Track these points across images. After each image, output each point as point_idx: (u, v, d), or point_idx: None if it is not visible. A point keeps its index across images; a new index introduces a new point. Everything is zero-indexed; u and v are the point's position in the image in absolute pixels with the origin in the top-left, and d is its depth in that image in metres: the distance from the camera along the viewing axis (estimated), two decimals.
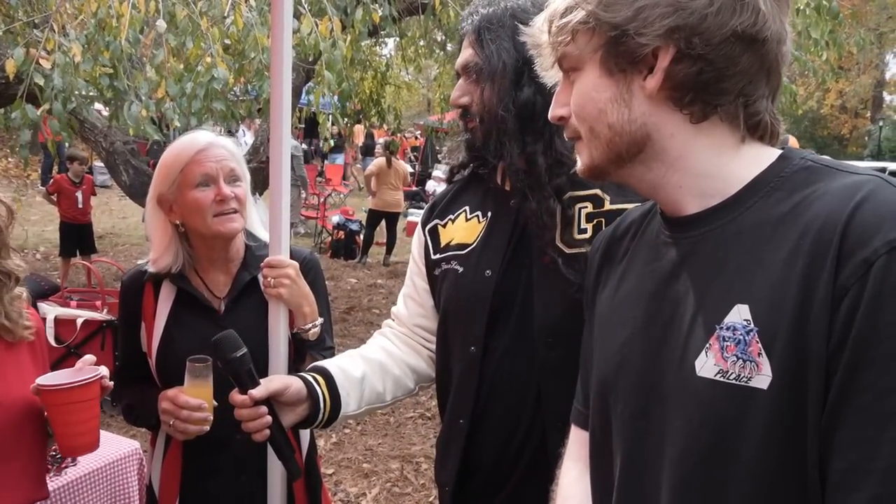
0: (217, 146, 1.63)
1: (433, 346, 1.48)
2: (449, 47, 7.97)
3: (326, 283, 1.67)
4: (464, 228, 1.41)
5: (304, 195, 10.35)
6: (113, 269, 7.20)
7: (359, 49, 4.40)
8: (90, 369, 1.39)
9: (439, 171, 16.49)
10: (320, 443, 4.30)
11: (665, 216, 0.90)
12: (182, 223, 1.64)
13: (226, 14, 3.77)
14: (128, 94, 3.84)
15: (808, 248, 0.71)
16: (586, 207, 1.29)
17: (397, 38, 7.75)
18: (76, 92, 3.64)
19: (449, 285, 1.38)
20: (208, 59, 3.68)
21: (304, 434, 1.77)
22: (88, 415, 1.37)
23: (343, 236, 10.24)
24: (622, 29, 0.80)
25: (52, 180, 7.82)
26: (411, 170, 16.21)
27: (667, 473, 0.81)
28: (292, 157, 9.37)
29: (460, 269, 1.36)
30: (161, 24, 3.30)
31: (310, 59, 4.70)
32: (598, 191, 1.29)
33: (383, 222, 9.98)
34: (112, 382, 1.42)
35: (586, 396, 1.04)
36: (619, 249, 1.01)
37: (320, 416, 1.32)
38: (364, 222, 10.15)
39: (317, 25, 3.27)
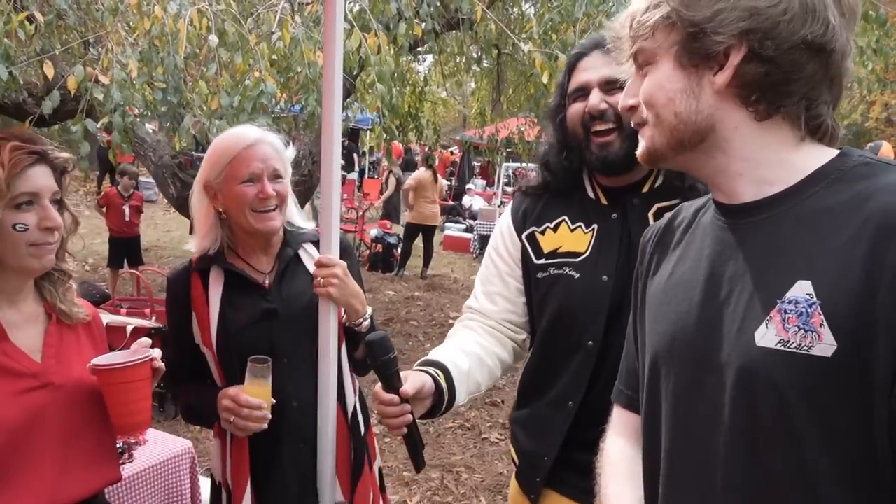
0: (264, 143, 1.71)
1: (519, 338, 1.68)
2: (486, 63, 8.05)
3: (365, 296, 1.77)
4: (571, 238, 1.59)
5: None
6: (160, 280, 7.39)
7: (399, 64, 4.48)
8: (144, 351, 1.45)
9: (473, 185, 16.60)
10: None
11: (720, 204, 0.97)
12: (224, 211, 1.73)
13: (273, 30, 3.89)
14: (181, 108, 3.97)
15: (871, 233, 0.77)
16: None
17: (435, 55, 7.86)
18: (133, 107, 3.78)
19: (563, 289, 1.54)
20: (256, 74, 3.79)
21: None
22: (140, 395, 1.42)
23: (381, 249, 10.35)
24: (700, 27, 0.87)
25: (102, 193, 8.06)
26: (448, 184, 16.31)
27: (723, 439, 0.87)
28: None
29: (576, 275, 1.53)
30: (213, 38, 3.42)
31: (352, 74, 4.81)
32: (680, 200, 1.44)
33: (421, 235, 10.06)
34: (163, 364, 1.48)
35: (629, 377, 1.16)
36: (671, 239, 1.09)
37: (443, 408, 1.47)
38: (401, 236, 10.24)
39: (366, 39, 3.35)
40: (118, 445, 2.04)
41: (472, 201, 14.36)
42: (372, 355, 1.40)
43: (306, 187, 6.15)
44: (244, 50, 3.59)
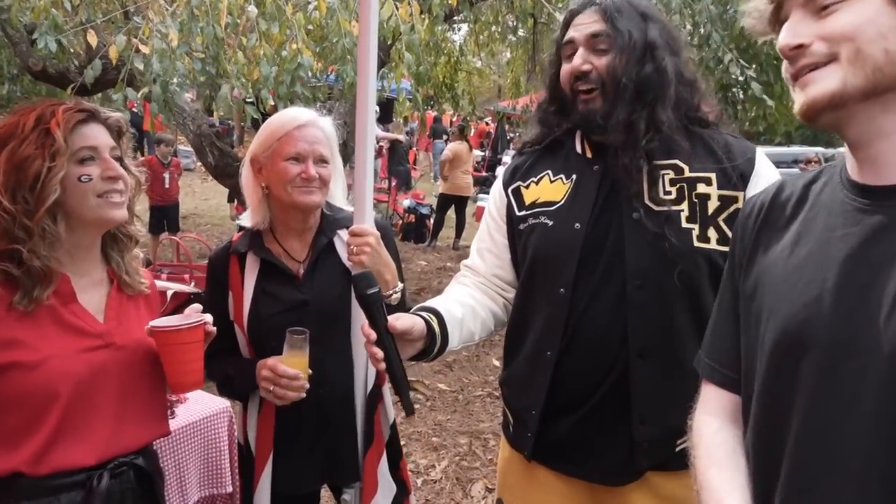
0: (315, 126, 1.76)
1: (508, 295, 1.68)
2: (521, 32, 7.96)
3: (397, 269, 1.80)
4: (550, 188, 1.59)
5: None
6: (198, 246, 7.56)
7: (434, 33, 4.47)
8: (197, 315, 1.52)
9: (508, 157, 16.48)
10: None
11: (857, 184, 0.92)
12: (267, 186, 1.77)
13: (309, 0, 3.91)
14: (221, 77, 4.02)
15: None
16: (668, 174, 1.47)
17: (471, 24, 7.80)
18: (174, 77, 3.85)
19: (538, 237, 1.55)
20: (294, 46, 3.82)
21: (389, 408, 1.94)
22: (194, 356, 1.50)
23: (414, 220, 10.39)
24: None
25: (141, 162, 8.24)
26: (482, 154, 16.22)
27: (865, 427, 0.85)
28: (397, 145, 9.48)
29: (550, 223, 1.54)
30: (252, 9, 3.47)
31: (387, 44, 4.81)
32: (678, 161, 1.47)
33: (453, 206, 10.08)
34: (214, 329, 1.55)
35: (725, 355, 1.11)
36: (780, 215, 1.04)
37: (434, 350, 1.48)
38: (434, 206, 10.27)
39: (397, 8, 3.36)
40: None
41: None
42: (356, 288, 1.41)
43: (342, 156, 6.20)
44: (280, 20, 3.63)
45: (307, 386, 1.66)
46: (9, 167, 1.34)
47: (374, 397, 1.84)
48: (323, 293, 1.78)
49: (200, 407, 2.32)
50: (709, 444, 1.08)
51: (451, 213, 10.11)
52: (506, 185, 1.68)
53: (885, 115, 0.87)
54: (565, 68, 1.54)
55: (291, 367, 1.64)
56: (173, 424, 2.18)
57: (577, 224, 1.50)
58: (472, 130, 11.20)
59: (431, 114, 16.31)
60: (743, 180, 1.46)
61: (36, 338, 1.36)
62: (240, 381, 1.79)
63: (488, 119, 18.55)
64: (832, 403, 0.88)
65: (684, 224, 1.44)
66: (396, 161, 12.53)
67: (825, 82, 0.88)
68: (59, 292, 1.41)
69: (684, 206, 1.45)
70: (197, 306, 1.56)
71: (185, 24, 3.71)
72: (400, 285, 1.78)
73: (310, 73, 4.11)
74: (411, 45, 3.35)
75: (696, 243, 1.43)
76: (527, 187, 1.63)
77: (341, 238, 1.83)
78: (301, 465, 1.81)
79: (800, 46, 0.90)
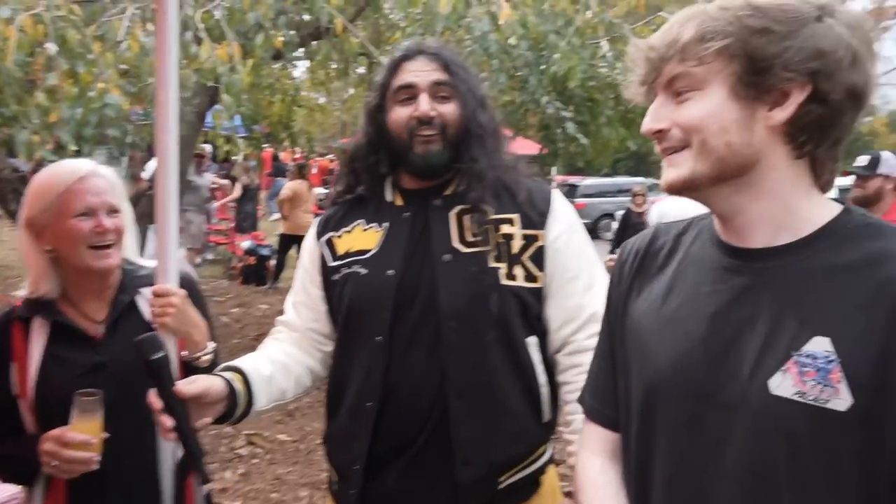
0: (97, 176, 1.62)
1: (326, 349, 1.66)
2: (361, 69, 8.00)
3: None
4: (362, 237, 1.60)
5: (203, 221, 10.05)
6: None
7: (261, 73, 4.38)
8: None
9: None
10: (227, 475, 4.19)
11: (727, 245, 0.98)
12: (54, 249, 1.60)
13: (121, 39, 3.69)
14: (18, 119, 3.68)
15: (888, 301, 0.83)
16: (476, 216, 1.54)
17: (308, 62, 7.73)
18: None
19: (352, 286, 1.56)
20: (101, 85, 3.57)
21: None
22: None
23: (254, 261, 10.04)
24: (769, 62, 0.87)
25: None
26: (326, 192, 16.06)
27: (725, 480, 0.90)
28: (197, 186, 9.08)
29: (363, 272, 1.55)
30: (51, 46, 3.20)
31: (214, 84, 4.65)
32: (483, 204, 1.54)
33: (295, 246, 9.85)
34: None
35: (604, 394, 1.15)
36: (653, 263, 1.10)
37: (237, 412, 1.44)
38: (275, 247, 9.99)
39: (214, 51, 3.26)
40: None
41: None
42: (139, 354, 1.33)
43: None
44: (87, 59, 3.38)
45: (98, 456, 1.47)
46: None
47: (185, 466, 1.69)
48: (123, 354, 1.59)
49: None
50: (594, 485, 1.13)
51: (292, 253, 9.86)
52: (318, 236, 1.67)
53: (739, 195, 0.94)
54: (402, 112, 1.55)
55: (82, 433, 1.46)
56: None
57: (390, 270, 1.52)
58: (313, 168, 11.07)
59: (269, 151, 15.97)
60: (542, 219, 1.56)
61: None
62: (17, 460, 1.58)
63: (332, 156, 18.44)
64: (695, 455, 0.94)
65: (492, 263, 1.50)
66: (248, 202, 12.13)
67: (680, 168, 0.95)
68: None
69: (491, 246, 1.51)
70: None
71: None
72: (211, 345, 1.66)
73: (124, 114, 3.86)
74: (230, 87, 3.25)
75: (503, 281, 1.50)
76: (339, 237, 1.63)
77: (144, 296, 1.68)
78: None
79: (660, 131, 0.96)
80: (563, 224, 1.59)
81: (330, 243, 1.64)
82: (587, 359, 1.27)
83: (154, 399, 1.31)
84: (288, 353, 1.63)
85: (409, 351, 1.49)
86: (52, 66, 3.48)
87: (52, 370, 1.58)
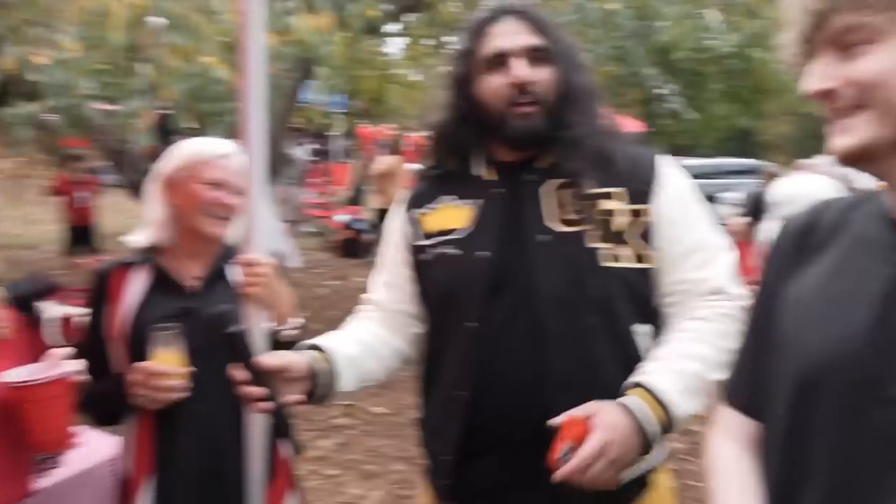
0: (233, 158, 1.72)
1: (413, 329, 1.56)
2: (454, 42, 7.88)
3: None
4: (451, 215, 1.48)
5: (300, 195, 10.31)
6: None
7: (357, 46, 4.35)
8: (61, 365, 1.35)
9: None
10: (325, 443, 4.27)
11: None
12: (176, 206, 1.74)
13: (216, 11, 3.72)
14: (129, 92, 3.82)
15: None
16: (576, 192, 1.40)
17: (401, 38, 7.71)
18: (75, 89, 3.61)
19: (442, 268, 1.46)
20: (206, 59, 3.62)
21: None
22: (55, 412, 1.34)
23: (351, 235, 10.25)
24: None
25: (57, 180, 7.82)
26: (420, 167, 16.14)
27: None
28: (295, 160, 9.30)
29: (454, 253, 1.44)
30: (155, 20, 3.28)
31: (310, 57, 4.67)
32: (585, 177, 1.39)
33: None
34: (80, 378, 1.39)
35: (749, 379, 1.06)
36: (815, 241, 1.00)
37: (320, 392, 1.38)
38: (372, 221, 10.13)
39: (308, 21, 3.23)
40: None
41: None
42: (216, 327, 1.32)
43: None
44: (190, 31, 3.43)
45: (182, 385, 1.56)
46: None
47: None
48: (213, 305, 1.62)
49: (93, 450, 2.11)
50: (728, 472, 1.05)
51: None
52: (405, 213, 1.58)
53: None
54: (495, 80, 1.42)
55: (163, 364, 1.55)
56: (64, 472, 1.97)
57: (484, 252, 1.41)
58: (408, 145, 11.13)
59: (369, 127, 16.15)
60: (648, 191, 1.41)
61: None
62: (108, 397, 1.64)
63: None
64: (861, 451, 0.84)
65: (593, 244, 1.37)
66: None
67: (856, 134, 0.84)
68: None
69: (592, 225, 1.38)
70: (60, 352, 1.38)
71: (87, 34, 3.49)
72: (299, 320, 1.67)
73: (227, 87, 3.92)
74: (325, 59, 3.21)
75: (606, 263, 1.36)
76: (427, 214, 1.53)
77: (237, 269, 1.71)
78: (181, 492, 1.66)
79: (828, 92, 0.86)
80: (673, 192, 1.43)
81: (417, 221, 1.54)
82: (700, 326, 1.23)
83: (236, 372, 1.29)
84: (375, 333, 1.55)
85: (503, 339, 1.38)
86: (157, 43, 3.57)
87: (144, 312, 1.68)
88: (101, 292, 1.72)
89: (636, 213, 1.39)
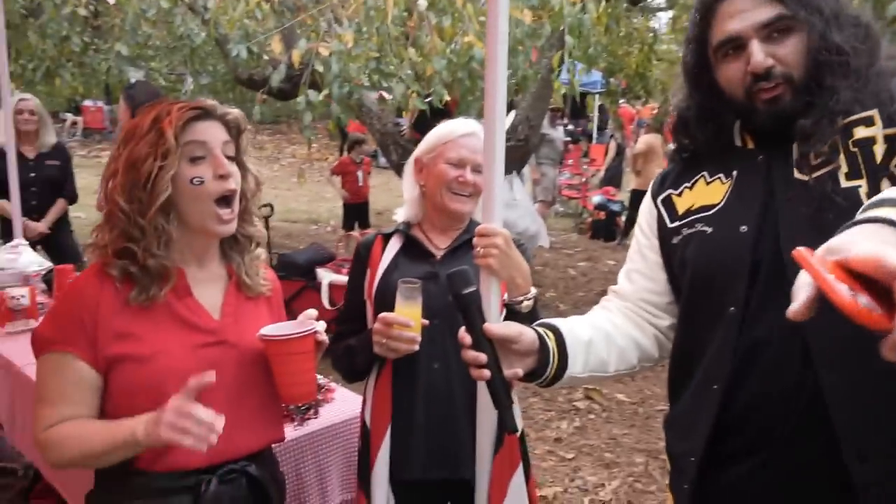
0: (477, 136, 1.80)
1: (660, 323, 1.45)
2: None
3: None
4: (706, 191, 1.35)
5: (558, 174, 10.24)
6: None
7: (618, 19, 4.16)
8: (309, 324, 1.45)
9: None
10: (563, 425, 4.23)
11: None
12: (424, 185, 1.88)
13: None
14: (390, 77, 4.07)
15: None
16: (819, 129, 1.18)
17: (670, 11, 7.27)
18: (350, 77, 3.95)
19: (696, 248, 1.32)
20: (466, 39, 3.73)
21: (517, 416, 1.73)
22: (303, 367, 1.44)
23: (604, 217, 10.05)
24: None
25: (337, 162, 8.71)
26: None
27: None
28: (552, 139, 9.30)
29: (708, 230, 1.30)
30: (423, 2, 3.44)
31: (560, 31, 4.60)
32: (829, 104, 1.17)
33: None
34: (327, 339, 1.49)
35: None
36: None
37: (548, 370, 1.33)
38: (626, 203, 9.81)
39: None
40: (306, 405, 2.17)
41: None
42: (450, 286, 1.31)
43: (522, 152, 6.08)
44: (452, 12, 3.56)
45: (418, 337, 1.66)
46: (126, 167, 1.35)
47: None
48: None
49: (345, 407, 2.29)
50: None
51: None
52: (654, 196, 1.46)
53: None
54: (732, 68, 1.26)
55: (403, 315, 1.65)
56: (315, 425, 2.17)
57: (743, 227, 1.25)
58: (668, 123, 10.52)
59: (628, 108, 15.60)
60: None
61: (149, 332, 1.37)
62: (359, 351, 1.80)
63: None
64: None
65: (846, 183, 1.15)
66: (616, 157, 12.18)
67: None
68: (175, 286, 1.41)
69: (841, 160, 1.16)
70: (310, 312, 1.49)
71: (361, 25, 3.78)
72: (533, 291, 1.67)
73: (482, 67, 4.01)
74: (574, 28, 3.10)
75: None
76: (679, 195, 1.40)
77: None
78: (413, 445, 1.77)
79: None
80: None
81: (669, 202, 1.42)
82: None
83: (464, 335, 1.28)
84: (614, 322, 1.46)
85: (761, 321, 1.21)
86: (421, 26, 3.75)
87: (393, 273, 1.82)
88: (362, 260, 1.92)
89: (892, 140, 1.15)
